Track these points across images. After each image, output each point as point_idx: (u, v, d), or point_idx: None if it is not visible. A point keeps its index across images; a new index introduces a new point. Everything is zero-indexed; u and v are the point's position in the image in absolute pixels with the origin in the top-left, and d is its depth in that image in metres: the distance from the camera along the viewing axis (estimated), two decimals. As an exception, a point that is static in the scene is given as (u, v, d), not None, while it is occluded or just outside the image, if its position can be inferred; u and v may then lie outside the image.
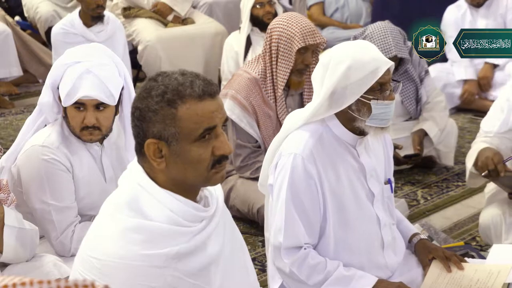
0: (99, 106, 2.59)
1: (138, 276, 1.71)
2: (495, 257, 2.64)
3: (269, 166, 2.51)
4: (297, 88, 3.72)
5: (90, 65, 2.57)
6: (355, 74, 2.30)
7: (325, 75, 2.35)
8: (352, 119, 2.38)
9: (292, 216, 2.36)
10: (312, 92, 3.71)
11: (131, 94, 2.70)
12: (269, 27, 3.71)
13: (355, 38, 4.15)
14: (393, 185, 2.58)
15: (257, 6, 4.98)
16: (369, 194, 2.47)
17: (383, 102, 2.35)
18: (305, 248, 2.39)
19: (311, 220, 2.38)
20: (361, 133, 2.42)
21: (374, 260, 2.48)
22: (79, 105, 2.58)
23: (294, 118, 2.48)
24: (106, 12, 5.08)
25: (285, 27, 3.60)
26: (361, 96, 2.33)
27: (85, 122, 2.59)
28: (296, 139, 2.40)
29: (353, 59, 2.31)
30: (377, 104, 2.34)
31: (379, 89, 2.34)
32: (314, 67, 3.65)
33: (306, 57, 3.59)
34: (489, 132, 3.43)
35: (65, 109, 2.62)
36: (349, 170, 2.42)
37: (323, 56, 2.40)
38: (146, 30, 5.88)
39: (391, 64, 2.35)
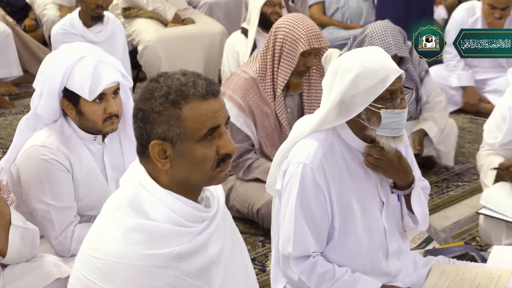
0: (115, 92, 2.62)
1: (139, 276, 1.72)
2: (495, 260, 2.64)
3: (276, 171, 2.49)
4: (295, 89, 3.72)
5: (97, 56, 2.60)
6: (364, 82, 2.25)
7: (333, 82, 2.31)
8: (362, 127, 2.34)
9: (301, 226, 2.34)
10: (312, 93, 3.78)
11: (127, 88, 2.72)
12: (274, 26, 3.70)
13: (355, 38, 4.15)
14: (400, 194, 2.49)
15: (267, 3, 4.97)
16: (379, 202, 2.45)
17: (393, 111, 2.29)
18: (313, 257, 2.37)
19: (319, 230, 2.37)
20: (372, 141, 2.38)
21: (377, 268, 2.47)
22: (100, 96, 2.58)
23: (303, 125, 2.44)
24: (106, 12, 5.08)
25: (291, 28, 3.58)
26: (370, 105, 2.27)
27: (110, 110, 2.60)
28: (305, 148, 2.36)
29: (362, 67, 2.26)
30: (387, 113, 2.29)
31: (389, 98, 2.29)
32: (315, 70, 3.70)
33: (309, 60, 3.59)
34: (493, 144, 3.44)
35: (77, 109, 2.62)
36: (358, 179, 2.40)
37: (332, 63, 2.36)
38: (146, 30, 5.88)
39: (401, 72, 2.29)
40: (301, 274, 2.36)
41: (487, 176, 3.34)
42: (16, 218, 2.39)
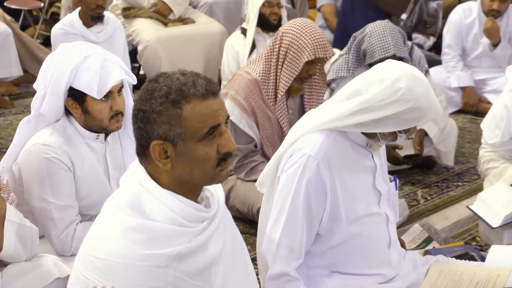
0: (119, 90, 2.63)
1: (139, 276, 1.72)
2: (494, 259, 2.65)
3: (274, 166, 2.48)
4: (296, 94, 3.72)
5: (101, 54, 2.61)
6: (410, 113, 2.30)
7: (384, 100, 2.29)
8: (371, 135, 2.39)
9: (295, 213, 2.37)
10: (313, 95, 3.77)
11: (127, 86, 2.73)
12: (280, 29, 3.68)
13: (354, 37, 4.15)
14: (397, 182, 2.60)
15: (266, 4, 4.97)
16: (377, 193, 2.48)
17: (405, 135, 2.39)
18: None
19: (312, 221, 2.39)
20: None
21: (381, 259, 2.51)
22: (106, 94, 2.59)
23: (312, 123, 2.43)
24: (106, 12, 5.09)
25: (298, 35, 3.56)
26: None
27: (116, 108, 2.62)
28: (310, 141, 2.37)
29: (417, 102, 2.28)
30: (401, 137, 2.39)
31: (412, 128, 2.38)
32: (317, 73, 3.69)
33: (312, 68, 3.58)
34: (493, 144, 3.45)
35: (82, 108, 2.62)
36: (360, 171, 2.43)
37: (393, 82, 2.30)
38: (146, 30, 5.88)
39: (441, 113, 2.40)
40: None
41: (501, 179, 3.36)
42: (13, 214, 2.39)
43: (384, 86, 2.30)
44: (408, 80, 2.30)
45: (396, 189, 2.59)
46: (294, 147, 2.40)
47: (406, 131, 2.37)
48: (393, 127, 2.32)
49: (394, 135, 2.37)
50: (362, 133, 2.40)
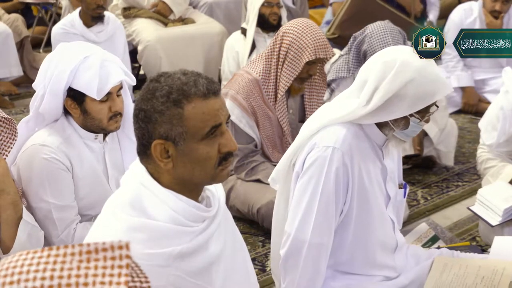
0: (118, 91, 2.63)
1: (140, 275, 1.72)
2: (497, 250, 2.63)
3: (287, 162, 2.45)
4: (296, 94, 3.73)
5: (101, 55, 2.61)
6: (414, 89, 2.22)
7: (386, 77, 2.24)
8: (383, 124, 2.34)
9: (325, 211, 2.33)
10: (313, 95, 3.78)
11: (126, 87, 2.73)
12: (281, 29, 3.69)
13: (355, 38, 4.15)
14: (407, 189, 2.54)
15: (265, 4, 4.98)
16: (386, 197, 2.46)
17: (420, 122, 2.32)
18: None
19: (336, 217, 2.36)
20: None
21: (384, 261, 2.49)
22: (105, 94, 2.59)
23: (331, 117, 2.38)
24: (106, 12, 5.09)
25: (298, 35, 3.57)
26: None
27: (116, 109, 2.62)
28: (333, 133, 2.33)
29: (418, 74, 2.22)
30: (415, 123, 2.31)
31: (424, 111, 2.30)
32: (317, 74, 3.70)
33: (313, 68, 3.59)
34: (490, 145, 3.46)
35: (81, 108, 2.62)
36: (375, 170, 2.40)
37: (387, 55, 2.28)
38: (146, 30, 5.88)
39: (451, 90, 2.30)
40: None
41: (499, 178, 3.37)
42: (26, 215, 2.42)
43: (381, 63, 2.27)
44: (404, 54, 2.27)
45: (404, 197, 2.54)
46: (315, 140, 2.34)
47: (420, 114, 2.28)
48: (402, 110, 2.25)
49: (405, 120, 2.30)
50: (376, 125, 2.35)
